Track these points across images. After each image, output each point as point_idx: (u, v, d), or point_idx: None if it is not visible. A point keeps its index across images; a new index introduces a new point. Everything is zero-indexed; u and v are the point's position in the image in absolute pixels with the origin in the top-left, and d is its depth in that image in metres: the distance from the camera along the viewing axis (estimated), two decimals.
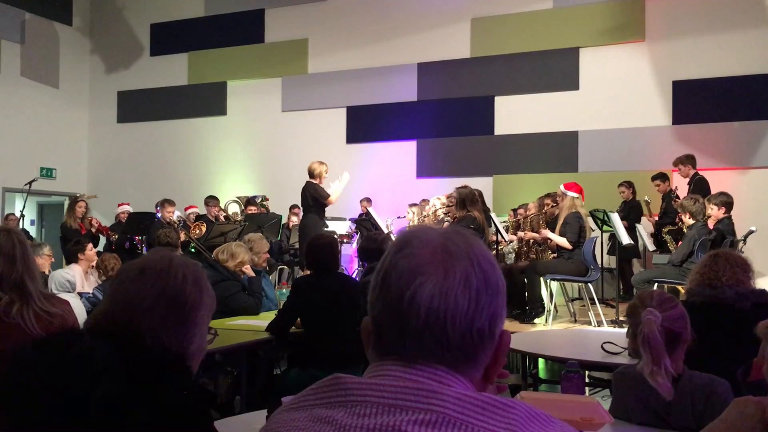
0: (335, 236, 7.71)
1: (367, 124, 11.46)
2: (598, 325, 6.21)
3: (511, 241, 7.90)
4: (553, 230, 6.78)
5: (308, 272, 4.52)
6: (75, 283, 5.23)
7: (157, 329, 1.32)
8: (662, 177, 8.48)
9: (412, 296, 0.84)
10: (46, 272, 5.41)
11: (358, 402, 0.83)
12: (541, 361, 4.64)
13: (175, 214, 8.91)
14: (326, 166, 7.61)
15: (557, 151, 10.16)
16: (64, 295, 3.87)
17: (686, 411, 2.01)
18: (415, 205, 9.47)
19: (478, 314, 0.85)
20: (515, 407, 0.81)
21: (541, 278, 6.55)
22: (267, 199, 10.82)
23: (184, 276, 1.38)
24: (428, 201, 9.05)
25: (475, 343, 0.86)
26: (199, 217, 9.47)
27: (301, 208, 7.87)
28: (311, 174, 7.56)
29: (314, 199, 7.47)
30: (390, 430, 0.79)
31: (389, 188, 10.77)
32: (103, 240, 9.64)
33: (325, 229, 7.83)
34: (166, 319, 1.33)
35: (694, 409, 2.00)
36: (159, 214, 8.73)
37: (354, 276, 8.52)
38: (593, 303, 6.49)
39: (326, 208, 7.69)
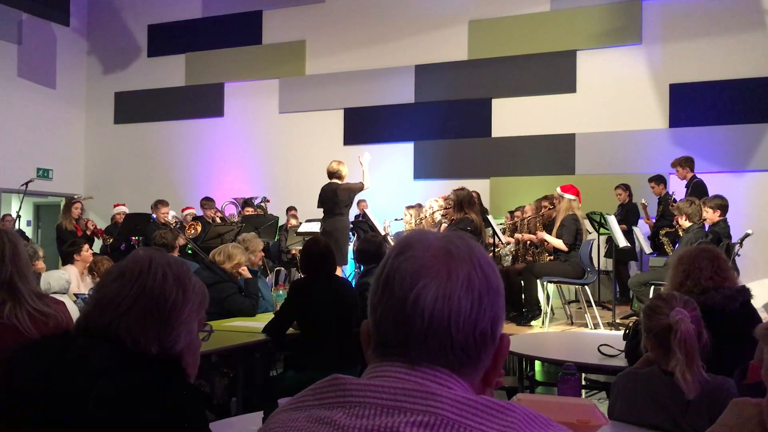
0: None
1: (364, 126, 11.45)
2: (595, 328, 6.21)
3: (508, 243, 7.90)
4: (550, 232, 6.78)
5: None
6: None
7: (135, 330, 1.30)
8: (658, 179, 8.49)
9: (416, 299, 0.84)
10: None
11: (356, 403, 0.83)
12: (537, 363, 4.64)
13: (170, 215, 8.88)
14: (345, 165, 7.38)
15: (554, 153, 10.17)
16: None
17: (703, 413, 2.01)
18: (412, 207, 9.47)
19: (480, 316, 0.86)
20: (514, 410, 0.81)
21: (538, 280, 6.56)
22: (268, 201, 10.81)
23: (164, 275, 1.36)
24: (422, 205, 9.06)
25: (478, 345, 0.86)
26: (196, 219, 9.46)
27: (324, 210, 7.43)
28: (336, 175, 7.24)
29: (346, 199, 7.16)
30: None
31: (386, 190, 10.76)
32: (99, 241, 9.62)
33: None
34: (145, 319, 1.32)
35: (711, 410, 2.00)
36: (154, 215, 8.71)
37: (351, 278, 8.51)
38: (590, 305, 6.49)
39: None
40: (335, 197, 7.17)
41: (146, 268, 1.36)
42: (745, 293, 2.82)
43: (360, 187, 7.25)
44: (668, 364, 2.10)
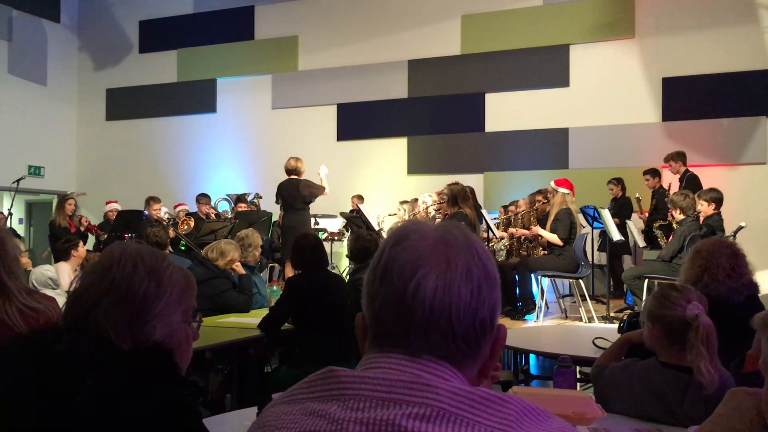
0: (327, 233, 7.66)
1: (357, 122, 11.43)
2: (589, 321, 6.23)
3: (502, 238, 7.90)
4: (543, 226, 6.79)
5: (293, 270, 4.50)
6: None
7: (104, 322, 1.28)
8: (653, 172, 8.51)
9: (416, 288, 0.83)
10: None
11: (351, 395, 0.82)
12: (531, 356, 4.64)
13: (162, 211, 8.86)
14: (303, 162, 7.68)
15: (548, 147, 10.17)
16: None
17: (699, 404, 2.01)
18: (405, 202, 9.46)
19: (480, 305, 0.85)
20: (510, 402, 0.81)
21: (532, 275, 6.56)
22: (261, 197, 10.78)
23: (134, 266, 1.33)
24: (417, 200, 9.05)
25: (478, 335, 0.86)
26: (189, 215, 9.43)
27: (284, 206, 7.75)
28: (296, 172, 7.51)
29: (308, 196, 7.43)
30: (384, 424, 0.77)
31: (380, 185, 10.75)
32: (92, 238, 9.58)
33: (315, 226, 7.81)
34: (114, 312, 1.29)
35: (708, 401, 2.00)
36: (147, 212, 8.68)
37: (345, 273, 8.50)
38: (584, 299, 6.50)
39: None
40: (296, 192, 7.36)
41: (116, 261, 1.34)
42: (752, 287, 2.77)
43: (321, 191, 7.60)
44: (671, 356, 2.10)
